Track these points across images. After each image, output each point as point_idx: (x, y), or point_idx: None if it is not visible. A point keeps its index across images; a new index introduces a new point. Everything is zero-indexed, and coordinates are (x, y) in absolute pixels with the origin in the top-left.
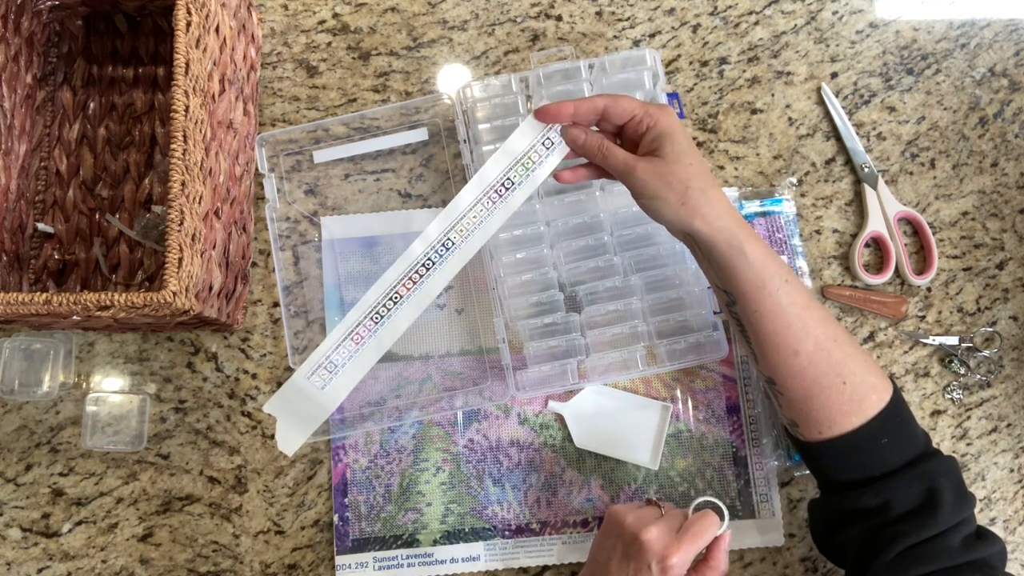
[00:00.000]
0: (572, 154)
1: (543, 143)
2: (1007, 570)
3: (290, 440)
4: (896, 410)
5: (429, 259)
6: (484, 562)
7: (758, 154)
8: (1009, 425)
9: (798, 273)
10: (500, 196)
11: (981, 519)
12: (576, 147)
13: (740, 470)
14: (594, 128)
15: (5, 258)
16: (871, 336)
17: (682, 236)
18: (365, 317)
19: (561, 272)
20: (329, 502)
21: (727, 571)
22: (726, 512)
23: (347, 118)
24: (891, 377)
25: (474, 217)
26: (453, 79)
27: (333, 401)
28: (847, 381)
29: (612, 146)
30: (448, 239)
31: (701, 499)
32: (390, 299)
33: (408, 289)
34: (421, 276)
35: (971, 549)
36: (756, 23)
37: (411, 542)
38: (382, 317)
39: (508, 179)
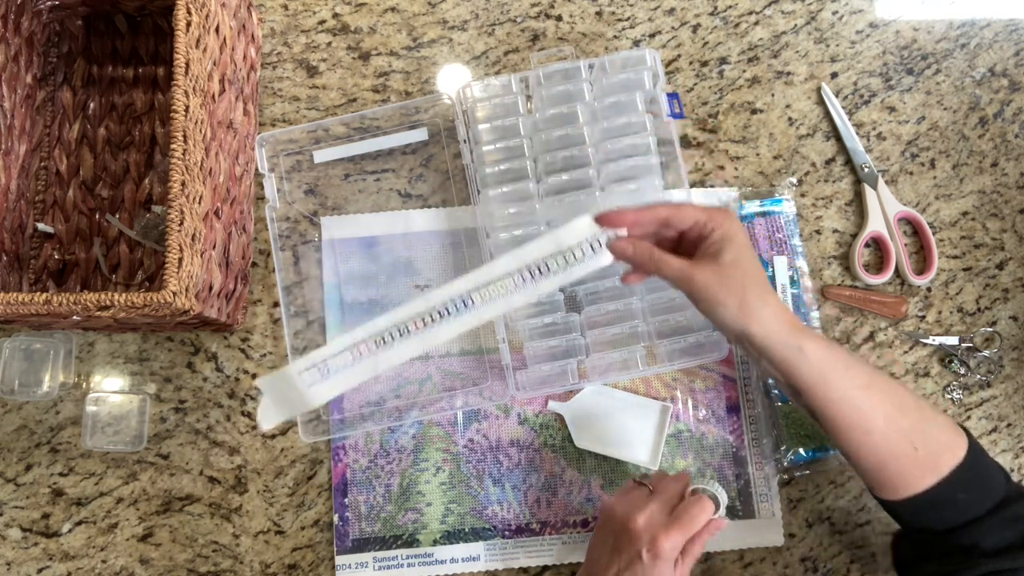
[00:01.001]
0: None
1: (591, 243)
2: None
3: (268, 417)
4: (971, 464)
5: (446, 309)
6: (484, 562)
7: (758, 154)
8: (1009, 425)
9: (798, 273)
10: (532, 278)
11: None
12: (625, 259)
13: (740, 470)
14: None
15: (5, 258)
16: (871, 336)
17: (736, 339)
18: (369, 338)
19: None
20: (329, 502)
21: (699, 555)
22: (723, 500)
23: (347, 118)
24: (965, 429)
25: (501, 287)
26: (453, 79)
27: (315, 401)
28: (919, 447)
29: (664, 257)
30: (470, 297)
31: (699, 485)
32: (397, 330)
33: (417, 327)
34: (433, 321)
35: None
36: (756, 23)
37: (411, 542)
38: (385, 343)
39: (546, 265)
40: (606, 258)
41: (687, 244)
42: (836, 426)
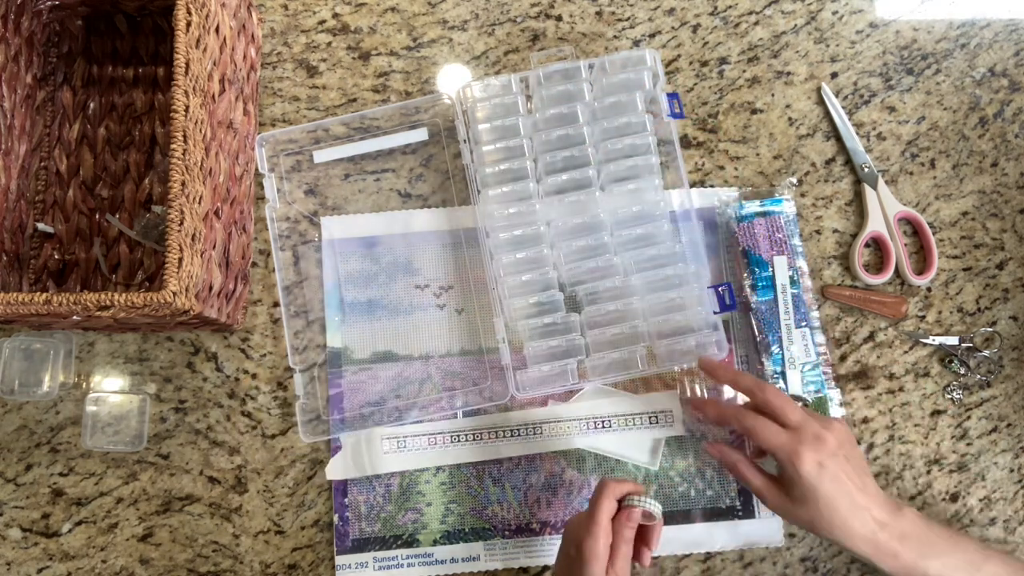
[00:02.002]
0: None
1: (654, 416)
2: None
3: (336, 471)
4: None
5: (518, 431)
6: (484, 562)
7: (758, 154)
8: (1009, 425)
9: (798, 273)
10: (595, 428)
11: (981, 519)
12: (714, 457)
13: None
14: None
15: (5, 258)
16: (871, 336)
17: None
18: (450, 432)
19: (561, 272)
20: (329, 502)
21: (628, 554)
22: (655, 510)
23: (347, 118)
24: None
25: (566, 427)
26: (453, 79)
27: (383, 468)
28: None
29: (747, 472)
30: (540, 427)
31: (633, 500)
32: (471, 434)
33: (488, 437)
34: (499, 437)
35: None
36: (756, 23)
37: (411, 542)
38: (457, 441)
39: (610, 421)
40: (665, 430)
41: None
42: None
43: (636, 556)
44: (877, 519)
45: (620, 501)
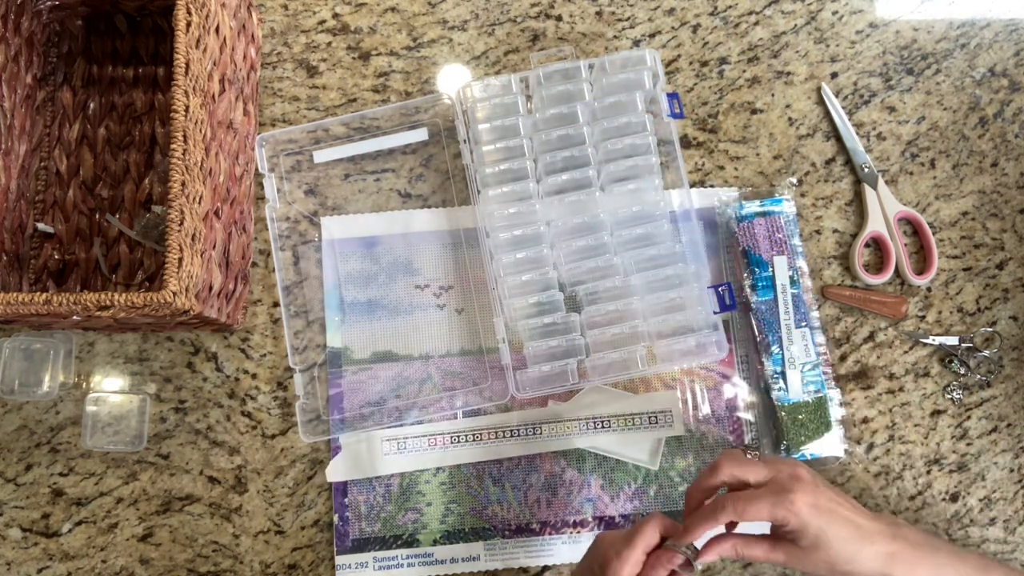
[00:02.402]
0: None
1: (654, 416)
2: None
3: (337, 472)
4: None
5: (518, 431)
6: (484, 562)
7: (758, 154)
8: (1009, 425)
9: (798, 273)
10: (595, 428)
11: (981, 519)
12: (716, 559)
13: None
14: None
15: (5, 258)
16: (871, 336)
17: None
18: (450, 433)
19: (561, 272)
20: (329, 502)
21: None
22: (696, 566)
23: (347, 118)
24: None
25: (566, 427)
26: (453, 79)
27: (382, 469)
28: None
29: (752, 554)
30: (540, 427)
31: (676, 544)
32: (472, 434)
33: (488, 438)
34: (499, 437)
35: None
36: (756, 23)
37: (411, 542)
38: (457, 442)
39: (610, 421)
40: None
41: None
42: None
43: None
44: (885, 534)
45: (663, 539)
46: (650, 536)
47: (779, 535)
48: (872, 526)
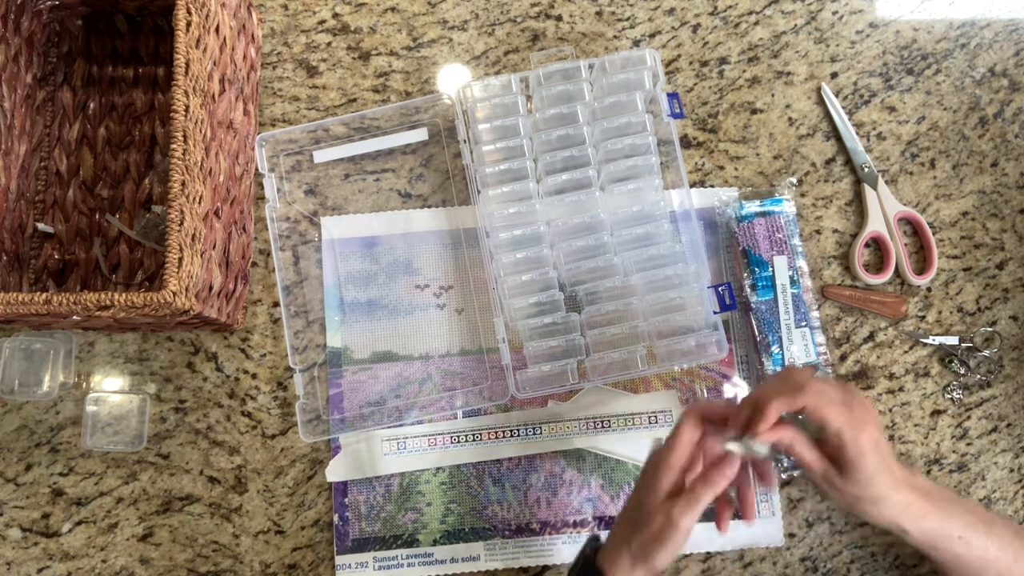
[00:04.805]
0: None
1: (654, 416)
2: None
3: (336, 472)
4: None
5: (518, 431)
6: (484, 562)
7: (758, 154)
8: (1009, 425)
9: (798, 273)
10: (595, 428)
11: None
12: (769, 442)
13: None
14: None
15: (5, 258)
16: (871, 336)
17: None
18: (450, 433)
19: (561, 272)
20: (329, 502)
21: (703, 499)
22: (754, 450)
23: (347, 118)
24: None
25: (566, 427)
26: (453, 79)
27: (382, 469)
28: None
29: (800, 452)
30: (540, 427)
31: (734, 444)
32: (472, 434)
33: (488, 438)
34: (499, 437)
35: None
36: (756, 23)
37: (411, 542)
38: (457, 442)
39: (610, 421)
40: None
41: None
42: (942, 572)
43: (743, 501)
44: (906, 482)
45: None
46: (690, 429)
47: (826, 451)
48: (900, 475)
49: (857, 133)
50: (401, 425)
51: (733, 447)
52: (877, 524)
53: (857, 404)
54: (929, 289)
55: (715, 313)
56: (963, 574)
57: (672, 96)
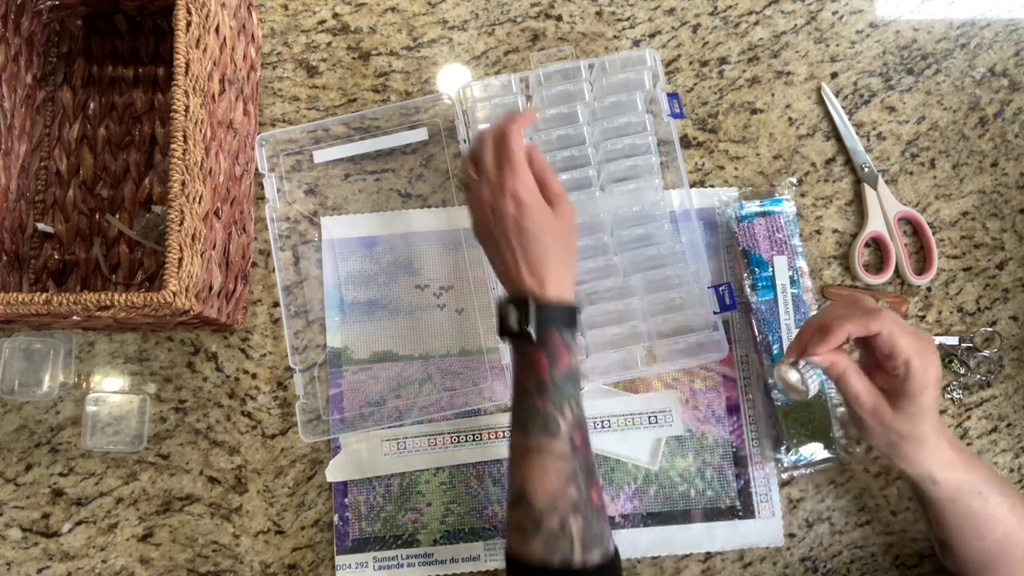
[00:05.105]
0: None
1: (654, 416)
2: None
3: (336, 472)
4: None
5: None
6: (484, 562)
7: (758, 154)
8: (1009, 425)
9: (798, 273)
10: (595, 428)
11: None
12: (820, 366)
13: (740, 470)
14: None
15: (5, 258)
16: None
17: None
18: (450, 433)
19: None
20: (329, 502)
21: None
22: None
23: (347, 118)
24: None
25: None
26: (453, 79)
27: (383, 468)
28: None
29: (852, 381)
30: None
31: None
32: (472, 434)
33: (488, 438)
34: (499, 437)
35: None
36: (756, 23)
37: (411, 542)
38: (457, 442)
39: (610, 421)
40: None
41: (874, 347)
42: (948, 530)
43: None
44: (943, 429)
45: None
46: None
47: (879, 384)
48: (940, 422)
49: (857, 133)
50: (401, 425)
51: (786, 374)
52: (908, 470)
53: (925, 338)
54: (929, 289)
55: (715, 313)
56: (970, 531)
57: (672, 96)
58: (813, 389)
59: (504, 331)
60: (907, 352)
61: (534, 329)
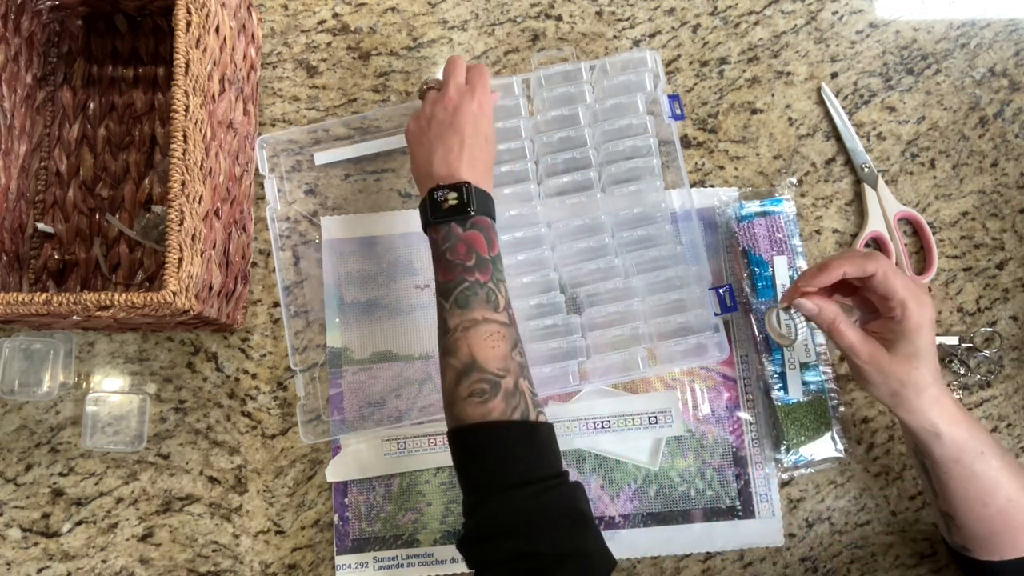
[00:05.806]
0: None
1: (654, 416)
2: None
3: (336, 473)
4: None
5: None
6: None
7: (758, 154)
8: (1009, 425)
9: (798, 273)
10: (595, 428)
11: None
12: (809, 316)
13: (740, 470)
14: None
15: (5, 258)
16: None
17: (884, 402)
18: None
19: (562, 274)
20: (329, 502)
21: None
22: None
23: (347, 119)
24: None
25: (566, 428)
26: None
27: (383, 468)
28: None
29: (843, 330)
30: None
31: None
32: None
33: None
34: None
35: None
36: (756, 23)
37: (411, 542)
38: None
39: (610, 422)
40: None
41: (872, 295)
42: (952, 496)
43: None
44: (941, 385)
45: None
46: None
47: (875, 333)
48: (941, 379)
49: (857, 133)
50: (401, 425)
51: (772, 318)
52: (912, 422)
53: (919, 282)
54: (929, 289)
55: (716, 315)
56: (975, 497)
57: (673, 98)
58: (801, 335)
59: (442, 214)
60: (903, 292)
61: (475, 210)
